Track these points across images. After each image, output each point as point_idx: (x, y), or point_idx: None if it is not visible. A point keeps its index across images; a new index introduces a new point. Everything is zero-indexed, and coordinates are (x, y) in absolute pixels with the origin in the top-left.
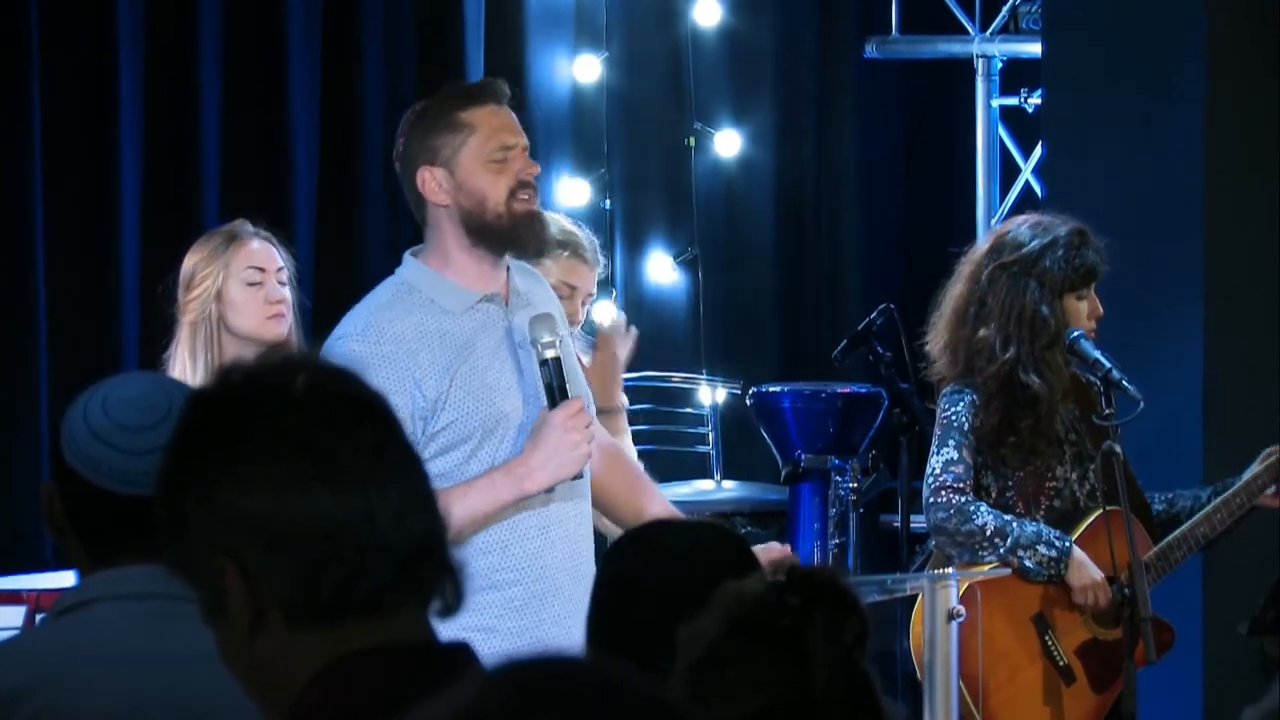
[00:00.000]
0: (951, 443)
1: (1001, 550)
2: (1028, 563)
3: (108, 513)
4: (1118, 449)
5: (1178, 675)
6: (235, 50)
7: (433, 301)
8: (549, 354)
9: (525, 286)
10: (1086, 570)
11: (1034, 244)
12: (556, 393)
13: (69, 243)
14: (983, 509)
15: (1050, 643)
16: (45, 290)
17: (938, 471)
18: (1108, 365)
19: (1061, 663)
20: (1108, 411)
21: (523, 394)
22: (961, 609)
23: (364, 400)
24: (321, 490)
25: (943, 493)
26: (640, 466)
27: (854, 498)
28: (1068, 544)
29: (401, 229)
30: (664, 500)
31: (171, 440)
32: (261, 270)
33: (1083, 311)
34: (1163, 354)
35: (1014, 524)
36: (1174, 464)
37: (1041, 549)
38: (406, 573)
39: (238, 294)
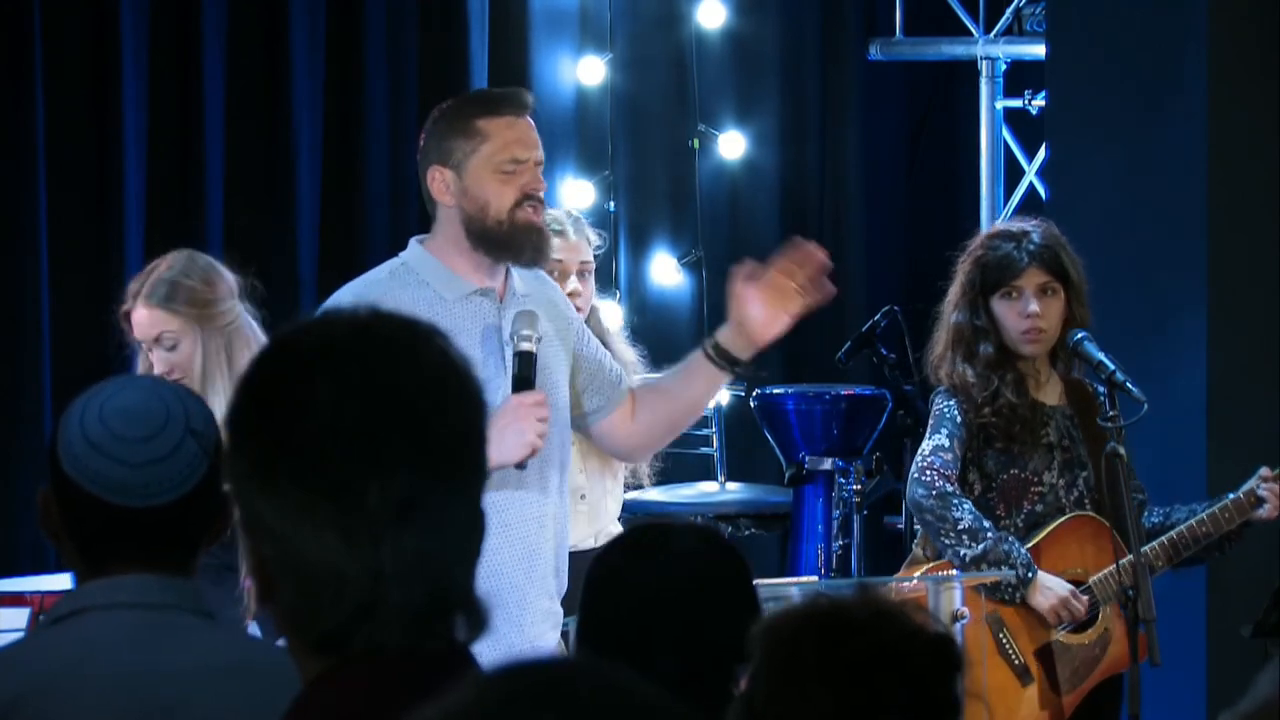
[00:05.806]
0: (944, 431)
1: (963, 552)
2: (988, 580)
3: (104, 522)
4: (1121, 451)
5: (1182, 678)
6: (238, 51)
7: (427, 284)
8: (524, 346)
9: (527, 288)
10: (1052, 592)
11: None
12: (522, 383)
13: (72, 244)
14: (966, 506)
15: (1005, 641)
16: (48, 291)
17: (927, 454)
18: (1111, 367)
19: (1018, 662)
20: (1111, 413)
21: (502, 392)
22: (966, 610)
23: (427, 417)
24: (332, 536)
25: (929, 472)
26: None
27: (858, 500)
28: (1032, 574)
29: (405, 229)
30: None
31: (233, 407)
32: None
33: (1011, 312)
34: (1166, 355)
35: (990, 534)
36: (1177, 465)
37: (1005, 571)
38: (411, 629)
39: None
